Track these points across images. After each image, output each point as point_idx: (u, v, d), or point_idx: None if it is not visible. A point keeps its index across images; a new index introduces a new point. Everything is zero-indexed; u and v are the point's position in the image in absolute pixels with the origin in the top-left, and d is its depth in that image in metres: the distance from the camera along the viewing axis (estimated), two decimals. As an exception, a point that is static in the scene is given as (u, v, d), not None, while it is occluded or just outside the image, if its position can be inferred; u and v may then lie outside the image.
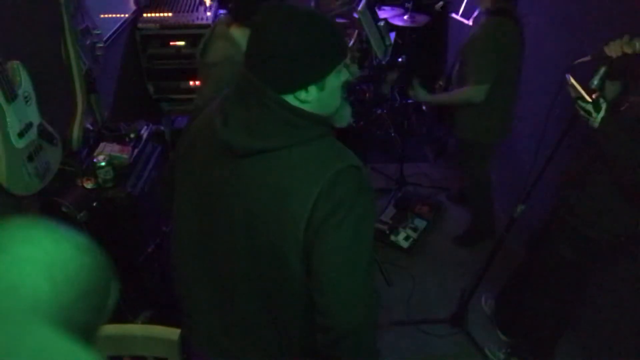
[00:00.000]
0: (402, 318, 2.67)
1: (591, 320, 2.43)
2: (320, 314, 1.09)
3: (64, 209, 1.83)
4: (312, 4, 3.68)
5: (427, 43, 4.26)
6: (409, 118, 3.87)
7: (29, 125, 1.68)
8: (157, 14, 3.23)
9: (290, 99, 1.05)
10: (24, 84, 1.65)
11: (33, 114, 1.70)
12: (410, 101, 3.56)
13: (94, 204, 1.92)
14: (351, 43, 3.37)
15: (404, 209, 3.32)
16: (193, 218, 1.22)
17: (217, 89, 1.52)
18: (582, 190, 1.91)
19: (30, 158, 1.69)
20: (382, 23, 3.27)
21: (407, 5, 3.95)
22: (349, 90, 3.33)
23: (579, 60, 1.72)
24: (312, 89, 1.06)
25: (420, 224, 3.24)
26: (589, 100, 1.64)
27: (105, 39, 2.51)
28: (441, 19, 4.13)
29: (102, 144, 2.15)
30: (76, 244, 0.62)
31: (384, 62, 3.37)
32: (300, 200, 1.03)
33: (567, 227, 1.98)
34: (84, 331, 0.61)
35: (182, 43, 3.18)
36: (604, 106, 1.64)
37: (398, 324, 2.63)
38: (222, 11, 3.38)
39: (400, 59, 3.80)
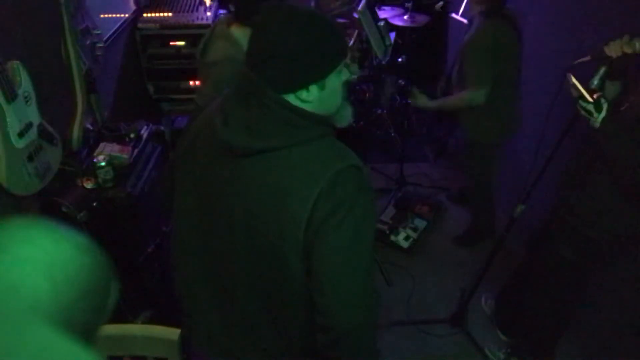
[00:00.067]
0: (402, 318, 2.67)
1: (591, 320, 2.43)
2: (320, 314, 1.09)
3: (64, 209, 1.83)
4: (312, 4, 3.68)
5: (427, 43, 4.26)
6: (409, 118, 3.87)
7: (29, 125, 1.68)
8: (157, 14, 3.23)
9: (291, 98, 1.06)
10: (24, 84, 1.65)
11: (33, 114, 1.70)
12: (410, 101, 3.55)
13: (94, 204, 1.92)
14: (351, 43, 3.37)
15: (404, 209, 3.32)
16: (193, 218, 1.22)
17: (217, 89, 1.53)
18: (582, 190, 1.91)
19: (30, 158, 1.69)
20: (382, 23, 3.27)
21: (407, 5, 3.94)
22: (349, 90, 3.33)
23: (579, 60, 1.72)
24: (313, 89, 1.06)
25: (420, 224, 3.24)
26: (590, 100, 1.64)
27: (105, 39, 2.51)
28: (441, 19, 4.13)
29: (102, 144, 2.15)
30: (76, 244, 0.62)
31: (384, 62, 3.37)
32: (300, 200, 1.02)
33: (567, 227, 1.97)
34: (84, 331, 0.61)
35: (182, 43, 3.18)
36: (605, 106, 1.63)
37: (398, 324, 2.63)
38: (222, 11, 3.38)
39: (400, 59, 3.80)
